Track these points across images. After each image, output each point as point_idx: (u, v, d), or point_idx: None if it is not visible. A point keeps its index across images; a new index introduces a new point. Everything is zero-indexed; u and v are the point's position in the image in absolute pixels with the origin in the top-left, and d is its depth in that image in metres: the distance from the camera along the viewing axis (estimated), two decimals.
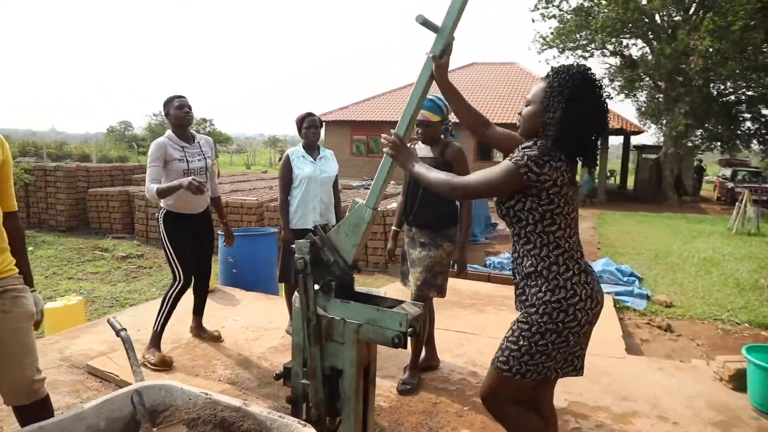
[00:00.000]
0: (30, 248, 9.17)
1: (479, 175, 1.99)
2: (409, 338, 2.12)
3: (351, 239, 2.23)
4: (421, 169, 2.07)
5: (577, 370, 2.08)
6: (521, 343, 1.97)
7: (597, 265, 8.09)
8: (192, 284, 3.75)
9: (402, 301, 2.29)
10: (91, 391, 3.09)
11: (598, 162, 2.04)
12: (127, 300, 6.43)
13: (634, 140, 25.49)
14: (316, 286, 2.33)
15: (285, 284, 4.13)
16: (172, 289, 3.61)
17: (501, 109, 21.05)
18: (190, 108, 3.65)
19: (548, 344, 1.93)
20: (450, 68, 2.18)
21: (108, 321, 2.29)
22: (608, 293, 6.28)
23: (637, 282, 7.21)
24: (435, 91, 2.50)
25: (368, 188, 1.95)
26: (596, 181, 18.97)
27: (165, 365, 3.46)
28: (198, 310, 3.97)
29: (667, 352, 4.72)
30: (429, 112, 3.16)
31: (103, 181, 11.65)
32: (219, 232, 6.03)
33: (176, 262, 3.58)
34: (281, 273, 4.07)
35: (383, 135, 2.17)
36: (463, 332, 4.33)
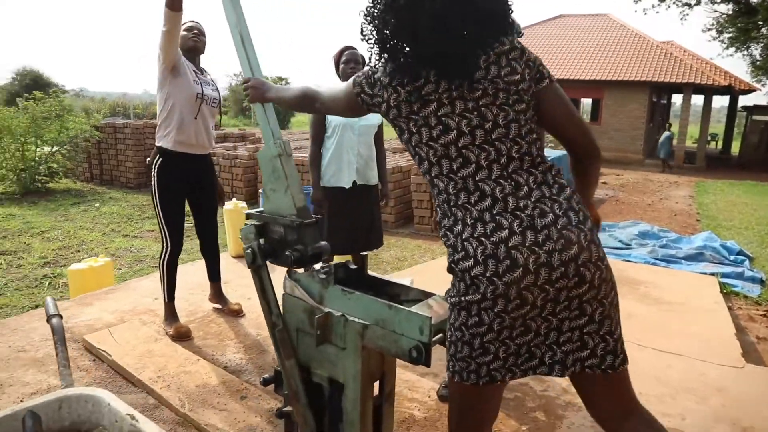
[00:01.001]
0: (96, 204, 9.20)
1: (335, 88, 1.66)
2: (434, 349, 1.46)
3: (279, 189, 1.75)
4: (278, 93, 1.80)
5: (550, 366, 1.38)
6: (448, 335, 1.43)
7: (697, 240, 7.00)
8: (199, 247, 3.42)
9: (432, 294, 1.61)
10: (80, 372, 2.66)
11: (457, 70, 1.36)
12: None
13: (743, 100, 22.88)
14: (319, 266, 1.70)
15: None
16: (161, 257, 3.13)
17: (590, 65, 19.34)
18: (201, 33, 3.12)
19: (462, 327, 1.36)
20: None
21: (45, 302, 1.76)
22: (713, 274, 5.30)
23: (747, 262, 6.09)
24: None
25: None
26: (671, 141, 16.92)
27: (182, 337, 3.07)
28: (213, 275, 3.47)
29: None
30: None
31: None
32: (261, 190, 5.59)
33: (163, 225, 3.09)
34: None
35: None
36: None
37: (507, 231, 1.29)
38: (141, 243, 6.83)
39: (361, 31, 1.45)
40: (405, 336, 1.43)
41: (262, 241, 1.74)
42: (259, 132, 17.94)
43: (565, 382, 2.71)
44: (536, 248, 1.27)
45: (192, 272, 4.17)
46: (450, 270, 1.37)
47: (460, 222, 1.34)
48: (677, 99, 21.35)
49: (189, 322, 3.23)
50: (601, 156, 1.49)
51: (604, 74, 18.71)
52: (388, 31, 1.39)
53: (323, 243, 1.71)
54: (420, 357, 1.41)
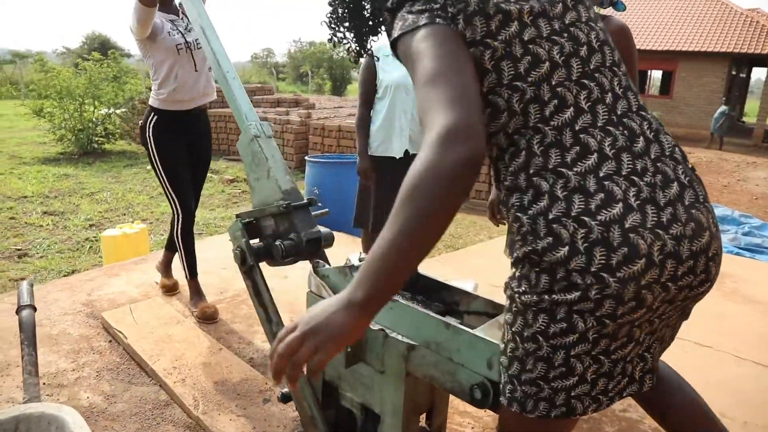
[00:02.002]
0: (149, 167, 9.13)
1: (421, 88, 0.87)
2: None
3: (262, 175, 1.60)
4: (385, 247, 0.80)
5: (641, 380, 1.02)
6: (509, 346, 0.98)
7: None
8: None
9: (503, 307, 1.19)
10: (93, 354, 2.39)
11: None
12: (218, 228, 5.95)
13: None
14: (355, 258, 1.32)
15: (363, 230, 3.16)
16: (175, 227, 2.80)
17: (665, 34, 17.98)
18: None
19: (537, 336, 0.92)
20: None
21: (19, 288, 1.45)
22: None
23: None
24: None
25: None
26: (725, 116, 15.43)
27: (207, 318, 2.74)
28: (172, 244, 2.97)
29: None
30: None
31: (225, 102, 11.38)
32: (307, 158, 5.24)
33: (171, 191, 2.74)
34: (356, 215, 3.10)
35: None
36: None
37: (621, 205, 0.88)
38: None
39: None
40: (466, 368, 1.02)
41: (255, 240, 1.54)
42: (313, 97, 17.62)
43: None
44: (660, 232, 0.89)
45: (227, 245, 3.88)
46: (524, 259, 0.94)
47: (545, 196, 0.91)
48: (757, 73, 19.73)
49: (217, 301, 2.92)
50: None
51: (679, 44, 17.42)
52: None
53: (324, 229, 1.52)
54: (486, 399, 1.00)
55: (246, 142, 1.63)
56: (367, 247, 3.15)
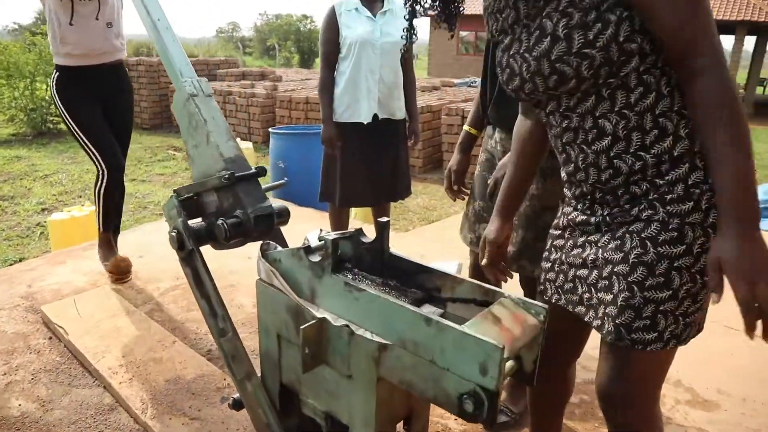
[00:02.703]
0: None
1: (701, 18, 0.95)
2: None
3: (201, 141, 1.36)
4: (748, 164, 0.89)
5: None
6: (684, 288, 0.99)
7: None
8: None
9: (497, 293, 0.97)
10: (30, 354, 2.12)
11: None
12: None
13: None
14: (313, 238, 1.09)
15: (329, 204, 2.92)
16: (97, 185, 2.58)
17: None
18: None
19: (704, 268, 0.99)
20: None
21: None
22: None
23: None
24: None
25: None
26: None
27: (121, 273, 2.64)
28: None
29: None
30: None
31: None
32: (271, 130, 4.94)
33: (90, 145, 2.50)
34: (322, 189, 2.85)
35: None
36: None
37: None
38: (148, 188, 6.35)
39: None
40: (453, 373, 0.81)
41: (197, 220, 1.34)
42: (280, 70, 16.96)
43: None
44: None
45: None
46: (694, 188, 0.97)
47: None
48: (725, 41, 19.74)
49: (173, 287, 2.67)
50: None
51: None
52: None
53: (278, 203, 1.32)
54: (479, 411, 0.79)
55: (181, 103, 1.37)
56: (335, 223, 2.91)
